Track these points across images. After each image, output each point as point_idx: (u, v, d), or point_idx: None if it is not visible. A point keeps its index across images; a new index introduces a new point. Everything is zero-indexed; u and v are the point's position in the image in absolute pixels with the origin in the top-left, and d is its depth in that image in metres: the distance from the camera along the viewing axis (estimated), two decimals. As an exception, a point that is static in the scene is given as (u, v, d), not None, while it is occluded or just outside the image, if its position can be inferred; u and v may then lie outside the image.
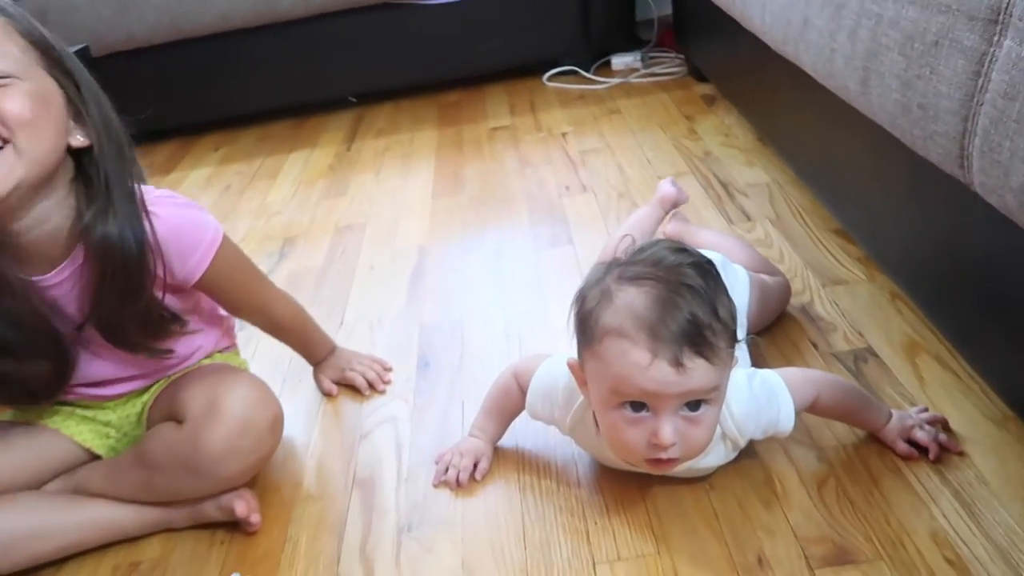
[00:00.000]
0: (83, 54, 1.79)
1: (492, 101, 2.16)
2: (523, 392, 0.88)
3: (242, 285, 0.93)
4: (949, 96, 0.72)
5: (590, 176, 1.61)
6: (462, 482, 0.89)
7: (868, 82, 0.86)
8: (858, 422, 0.86)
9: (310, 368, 1.11)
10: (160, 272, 0.81)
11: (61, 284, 0.80)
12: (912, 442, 0.83)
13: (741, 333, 0.79)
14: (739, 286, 0.96)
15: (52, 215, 0.78)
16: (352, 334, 1.22)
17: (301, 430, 1.03)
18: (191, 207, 0.86)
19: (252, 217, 1.70)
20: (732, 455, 0.84)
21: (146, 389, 0.93)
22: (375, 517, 0.88)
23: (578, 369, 0.77)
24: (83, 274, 0.80)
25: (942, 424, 0.85)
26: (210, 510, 0.87)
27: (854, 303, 1.08)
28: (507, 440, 0.95)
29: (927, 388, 0.92)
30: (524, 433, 0.94)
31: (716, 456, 0.82)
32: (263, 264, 1.43)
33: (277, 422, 0.88)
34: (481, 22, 2.12)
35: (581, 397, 0.81)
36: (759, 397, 0.80)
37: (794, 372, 0.85)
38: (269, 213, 1.71)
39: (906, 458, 0.82)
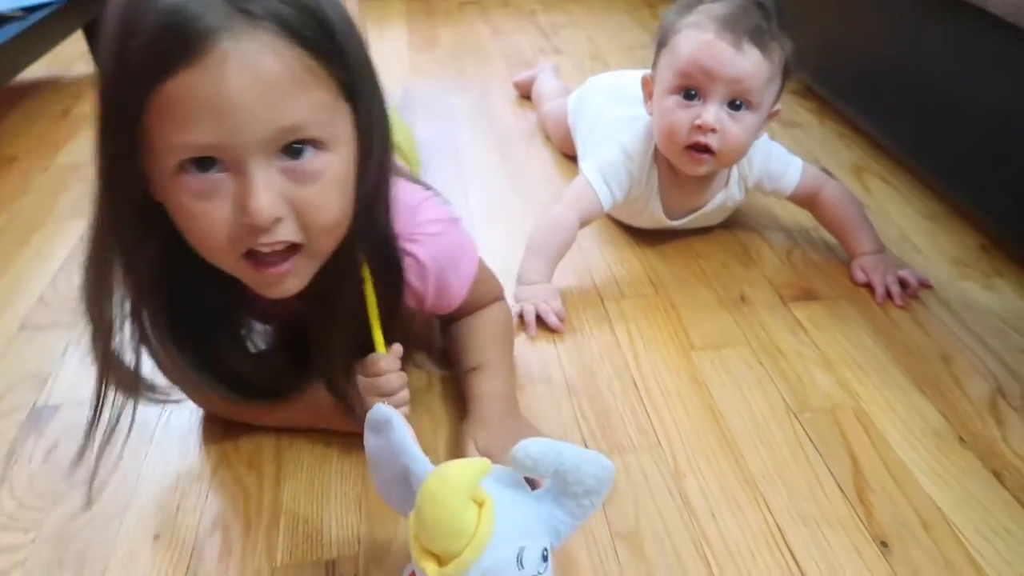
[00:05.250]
0: None
1: (457, -19, 2.20)
2: (579, 217, 0.90)
3: None
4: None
5: (562, 42, 1.70)
6: (559, 327, 0.83)
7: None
8: (848, 237, 0.92)
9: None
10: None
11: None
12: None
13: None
14: None
15: None
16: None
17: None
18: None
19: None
20: (740, 197, 0.95)
21: None
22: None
23: (649, 82, 0.90)
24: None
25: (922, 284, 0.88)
26: None
27: (808, 138, 1.23)
28: (526, 215, 1.04)
29: (873, 197, 1.07)
30: (527, 217, 1.05)
31: (731, 195, 0.94)
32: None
33: None
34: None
35: (653, 145, 0.90)
36: (773, 149, 0.94)
37: (811, 165, 0.96)
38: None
39: (857, 283, 0.89)
